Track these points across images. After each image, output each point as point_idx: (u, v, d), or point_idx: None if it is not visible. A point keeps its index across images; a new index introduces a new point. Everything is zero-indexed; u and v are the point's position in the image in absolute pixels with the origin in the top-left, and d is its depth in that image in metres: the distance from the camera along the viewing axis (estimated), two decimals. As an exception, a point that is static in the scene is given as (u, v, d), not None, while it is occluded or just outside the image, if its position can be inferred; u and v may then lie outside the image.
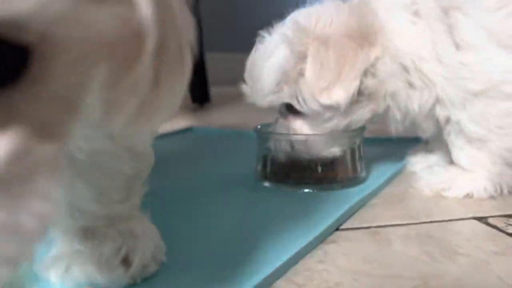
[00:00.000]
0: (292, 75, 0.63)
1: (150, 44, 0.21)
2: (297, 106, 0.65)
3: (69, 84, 0.19)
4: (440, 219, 0.56)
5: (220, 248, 0.49)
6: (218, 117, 1.82)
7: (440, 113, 0.64)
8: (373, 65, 0.62)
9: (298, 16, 0.66)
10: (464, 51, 0.60)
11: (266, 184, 0.71)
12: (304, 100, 0.63)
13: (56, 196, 0.20)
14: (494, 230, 0.52)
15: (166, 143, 1.10)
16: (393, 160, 0.81)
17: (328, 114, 0.65)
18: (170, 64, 0.23)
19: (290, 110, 0.67)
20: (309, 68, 0.61)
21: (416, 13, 0.62)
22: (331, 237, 0.52)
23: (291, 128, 0.68)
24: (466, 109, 0.61)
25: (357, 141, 0.71)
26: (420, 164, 0.76)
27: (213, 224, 0.56)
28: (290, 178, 0.69)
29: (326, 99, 0.61)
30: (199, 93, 2.21)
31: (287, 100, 0.65)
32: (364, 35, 0.62)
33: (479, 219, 0.56)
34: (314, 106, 0.63)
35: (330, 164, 0.69)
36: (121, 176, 0.38)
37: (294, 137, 0.68)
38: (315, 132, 0.67)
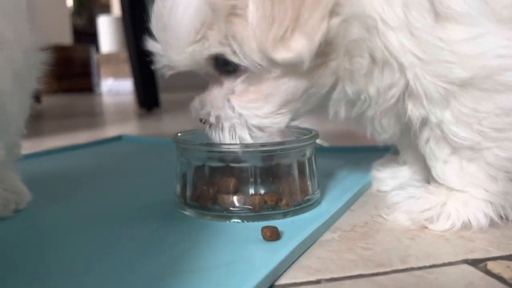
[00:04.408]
0: (221, 12, 0.42)
1: None
2: (233, 58, 0.44)
3: None
4: (420, 265, 0.39)
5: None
6: (166, 124, 1.63)
7: (414, 111, 0.46)
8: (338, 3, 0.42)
9: None
10: (448, 24, 0.43)
11: (187, 212, 0.52)
12: (243, 50, 0.43)
13: None
14: (499, 284, 0.36)
15: (88, 153, 0.92)
16: (354, 177, 0.65)
17: (278, 72, 0.45)
18: None
19: (221, 68, 0.47)
20: (253, 7, 0.41)
21: None
22: (260, 302, 0.34)
23: (228, 96, 0.48)
24: (451, 106, 0.44)
25: (308, 153, 0.53)
26: (390, 182, 0.59)
27: (91, 278, 0.37)
28: (216, 204, 0.50)
29: (284, 53, 0.41)
30: (147, 98, 2.02)
31: (215, 49, 0.44)
32: None
33: (474, 263, 0.39)
34: (261, 61, 0.43)
35: (272, 183, 0.51)
36: None
37: (225, 148, 0.50)
38: (267, 109, 0.47)
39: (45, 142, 1.19)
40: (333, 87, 0.48)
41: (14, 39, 0.44)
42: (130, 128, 1.51)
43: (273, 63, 0.43)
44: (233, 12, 0.42)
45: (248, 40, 0.42)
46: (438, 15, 0.42)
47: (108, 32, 3.94)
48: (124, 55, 3.68)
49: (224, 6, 0.42)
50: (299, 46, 0.41)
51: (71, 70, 3.81)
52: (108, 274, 0.38)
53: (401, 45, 0.43)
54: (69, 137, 1.26)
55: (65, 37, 4.35)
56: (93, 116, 2.05)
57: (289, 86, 0.46)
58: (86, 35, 4.74)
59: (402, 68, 0.44)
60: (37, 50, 0.54)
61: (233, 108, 0.47)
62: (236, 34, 0.43)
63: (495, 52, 0.42)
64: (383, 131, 0.51)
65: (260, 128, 0.48)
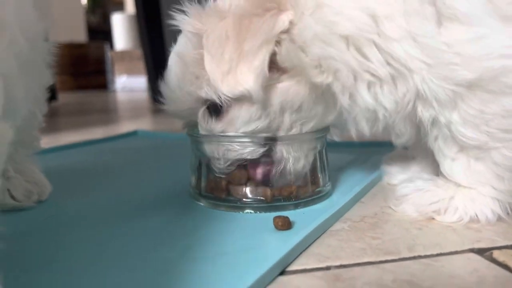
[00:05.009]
0: (192, 61, 0.49)
1: None
2: (205, 96, 0.49)
3: None
4: (428, 254, 0.40)
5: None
6: (179, 120, 1.65)
7: (424, 113, 0.47)
8: (287, 31, 0.46)
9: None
10: (451, 25, 0.43)
11: (201, 203, 0.54)
12: (210, 88, 0.48)
13: None
14: (503, 271, 0.37)
15: (105, 147, 0.95)
16: (365, 170, 0.66)
17: (242, 104, 0.49)
18: None
19: (209, 110, 0.52)
20: (205, 51, 0.47)
21: None
22: (272, 286, 0.35)
23: (214, 131, 0.52)
24: (458, 108, 0.45)
25: (318, 146, 0.55)
26: (400, 176, 0.61)
27: (110, 265, 0.39)
28: (230, 195, 0.52)
29: (231, 88, 0.46)
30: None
31: (193, 90, 0.50)
32: None
33: (480, 252, 0.41)
34: (223, 96, 0.47)
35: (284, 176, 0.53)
36: None
37: (237, 140, 0.51)
38: (241, 131, 0.50)
39: (61, 137, 1.21)
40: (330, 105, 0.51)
41: (16, 23, 0.44)
42: (144, 124, 1.53)
43: (228, 98, 0.47)
44: (202, 58, 0.48)
45: (209, 78, 0.48)
46: (441, 17, 0.43)
47: (122, 29, 3.98)
48: (138, 52, 3.72)
49: (192, 56, 0.49)
50: (244, 78, 0.45)
51: (85, 67, 3.86)
52: (127, 259, 0.40)
53: (406, 53, 0.44)
54: (85, 133, 1.28)
55: (80, 35, 4.41)
56: (107, 113, 2.08)
57: (251, 109, 0.49)
58: (100, 32, 4.79)
59: (411, 73, 0.45)
60: (44, 39, 0.55)
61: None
62: (204, 76, 0.48)
63: (499, 52, 0.42)
64: (401, 134, 0.52)
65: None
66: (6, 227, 0.29)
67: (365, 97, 0.47)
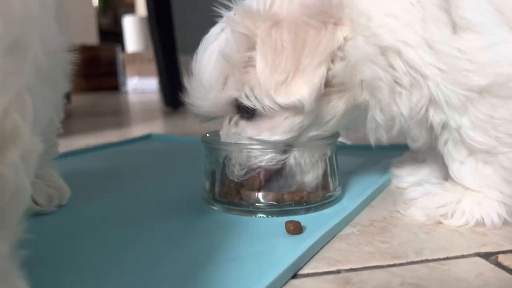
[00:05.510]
0: (237, 63, 0.49)
1: None
2: (246, 101, 0.49)
3: None
4: (435, 257, 0.42)
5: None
6: (192, 122, 1.67)
7: (435, 117, 0.49)
8: (341, 47, 0.48)
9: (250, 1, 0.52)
10: (464, 34, 0.45)
11: (215, 207, 0.56)
12: (254, 94, 0.49)
13: None
14: (508, 275, 0.38)
15: (120, 151, 0.97)
16: (374, 174, 0.68)
17: (287, 113, 0.50)
18: None
19: (241, 112, 0.53)
20: (260, 57, 0.47)
21: None
22: (285, 289, 0.37)
23: (243, 135, 0.53)
24: (468, 113, 0.46)
25: (329, 152, 0.56)
26: (409, 179, 0.62)
27: (128, 266, 0.41)
28: (243, 200, 0.54)
29: (285, 98, 0.47)
30: (173, 96, 2.07)
31: (232, 94, 0.50)
32: (327, 10, 0.47)
33: (486, 256, 0.42)
34: (270, 104, 0.48)
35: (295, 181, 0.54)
36: None
37: (250, 148, 0.53)
38: (274, 138, 0.51)
39: (75, 140, 1.24)
40: (364, 114, 0.52)
41: (38, 40, 0.46)
42: (156, 126, 1.55)
43: (280, 106, 0.48)
44: (248, 63, 0.49)
45: (258, 85, 0.48)
46: (456, 26, 0.45)
47: (133, 31, 4.02)
48: (149, 54, 3.75)
49: (238, 58, 0.49)
50: (299, 90, 0.46)
51: (97, 69, 3.91)
52: (142, 262, 0.42)
53: (421, 59, 0.46)
54: (98, 136, 1.31)
55: (91, 37, 4.46)
56: (120, 115, 2.11)
57: (295, 124, 0.50)
58: (112, 34, 4.84)
59: (426, 80, 0.47)
60: (64, 51, 0.57)
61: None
62: (249, 81, 0.49)
63: (509, 59, 0.44)
64: (417, 139, 0.54)
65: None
66: (31, 233, 0.31)
67: (393, 107, 0.50)
